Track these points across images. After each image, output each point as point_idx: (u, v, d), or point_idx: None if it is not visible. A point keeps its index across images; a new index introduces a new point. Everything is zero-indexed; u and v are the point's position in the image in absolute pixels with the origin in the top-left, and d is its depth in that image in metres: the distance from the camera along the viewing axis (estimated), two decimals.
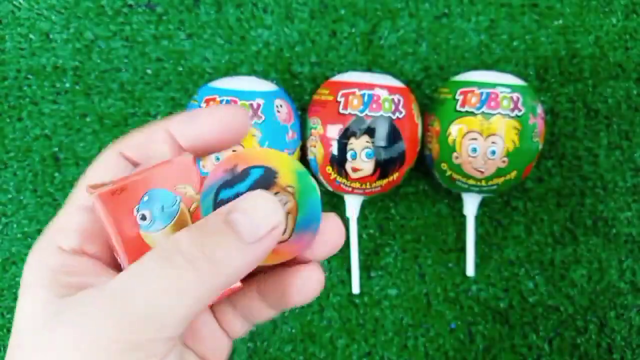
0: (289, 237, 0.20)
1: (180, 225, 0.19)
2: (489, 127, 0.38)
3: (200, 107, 0.38)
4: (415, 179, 0.45)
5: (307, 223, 0.20)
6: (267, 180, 0.20)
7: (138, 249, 0.18)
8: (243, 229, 0.17)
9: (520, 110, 0.38)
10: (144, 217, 0.19)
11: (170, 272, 0.16)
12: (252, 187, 0.20)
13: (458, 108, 0.38)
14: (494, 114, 0.37)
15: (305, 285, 0.21)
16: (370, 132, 0.37)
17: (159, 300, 0.16)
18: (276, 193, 0.20)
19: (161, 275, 0.16)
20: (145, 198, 0.19)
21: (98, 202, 0.18)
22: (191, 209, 0.19)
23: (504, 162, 0.38)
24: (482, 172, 0.38)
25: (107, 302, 0.16)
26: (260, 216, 0.17)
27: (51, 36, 0.44)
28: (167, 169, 0.19)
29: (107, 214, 0.18)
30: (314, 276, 0.21)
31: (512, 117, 0.38)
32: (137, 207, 0.18)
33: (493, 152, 0.38)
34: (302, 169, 0.20)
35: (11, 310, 0.43)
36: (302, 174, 0.20)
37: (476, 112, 0.38)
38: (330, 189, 0.41)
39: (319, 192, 0.20)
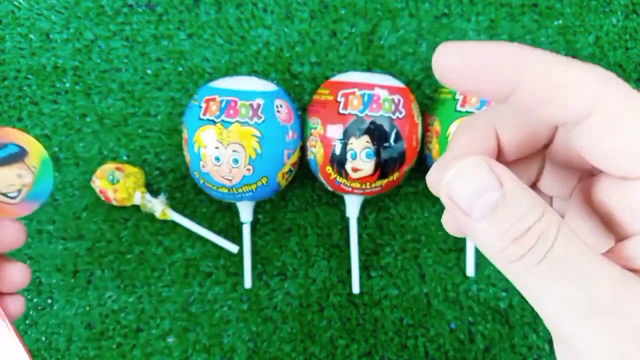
0: (19, 203, 0.28)
1: None
2: None
3: (200, 107, 0.38)
4: (415, 179, 0.45)
5: (35, 197, 0.28)
6: (18, 156, 0.28)
7: None
8: None
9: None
10: None
11: None
12: (5, 158, 0.27)
13: (458, 108, 0.38)
14: None
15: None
16: (370, 132, 0.37)
17: None
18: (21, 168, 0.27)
19: None
20: None
21: None
22: None
23: None
24: None
25: None
26: None
27: (51, 36, 0.44)
28: None
29: None
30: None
31: None
32: None
33: None
34: (47, 157, 0.28)
35: None
36: (46, 161, 0.28)
37: (476, 112, 0.38)
38: (330, 188, 0.41)
39: (52, 179, 0.28)
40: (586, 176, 0.19)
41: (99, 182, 0.41)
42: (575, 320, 0.15)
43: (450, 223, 0.19)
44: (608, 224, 0.17)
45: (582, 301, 0.14)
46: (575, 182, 0.20)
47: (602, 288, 0.14)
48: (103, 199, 0.42)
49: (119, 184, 0.41)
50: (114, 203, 0.42)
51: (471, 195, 0.15)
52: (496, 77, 0.15)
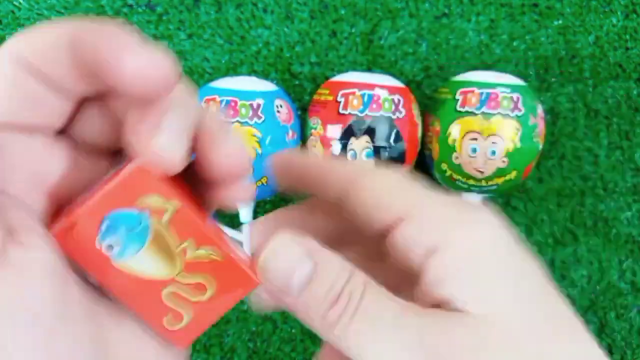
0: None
1: (159, 241, 0.16)
2: (489, 127, 0.38)
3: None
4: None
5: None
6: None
7: (121, 281, 0.16)
8: None
9: (520, 111, 0.38)
10: (110, 247, 0.16)
11: None
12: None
13: (458, 108, 0.38)
14: (494, 114, 0.37)
15: None
16: (370, 132, 0.37)
17: None
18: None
19: None
20: (104, 227, 0.16)
21: (58, 244, 0.15)
22: (164, 220, 0.16)
23: (504, 162, 0.38)
24: (482, 172, 0.38)
25: None
26: None
27: None
28: (118, 186, 0.15)
29: (72, 255, 0.15)
30: None
31: (512, 117, 0.38)
32: (97, 238, 0.16)
33: (493, 152, 0.38)
34: None
35: None
36: None
37: (476, 112, 0.38)
38: None
39: None
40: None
41: None
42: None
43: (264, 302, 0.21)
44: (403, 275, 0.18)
45: (396, 353, 0.16)
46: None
47: (411, 336, 0.16)
48: None
49: None
50: None
51: (285, 273, 0.16)
52: (323, 190, 0.19)
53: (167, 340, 0.17)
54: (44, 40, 0.14)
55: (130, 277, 0.16)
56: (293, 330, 0.45)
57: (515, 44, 0.45)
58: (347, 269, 0.17)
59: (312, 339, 0.45)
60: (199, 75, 0.44)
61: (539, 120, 0.39)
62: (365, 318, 0.16)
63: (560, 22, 0.45)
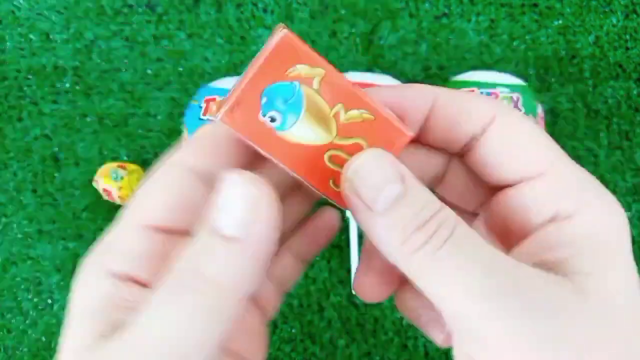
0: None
1: (313, 108, 0.17)
2: None
3: (200, 107, 0.38)
4: None
5: None
6: None
7: (288, 151, 0.17)
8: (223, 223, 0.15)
9: (520, 111, 0.38)
10: (273, 119, 0.17)
11: (174, 299, 0.14)
12: None
13: None
14: None
15: (327, 222, 0.22)
16: None
17: (172, 333, 0.14)
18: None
19: (168, 305, 0.14)
20: (264, 100, 0.17)
21: (225, 125, 0.17)
22: (314, 87, 0.17)
23: None
24: None
25: (130, 350, 0.14)
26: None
27: (51, 36, 0.44)
28: (269, 60, 0.17)
29: (240, 132, 0.17)
30: (331, 215, 0.22)
31: None
32: (260, 113, 0.17)
33: None
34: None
35: (11, 310, 0.43)
36: None
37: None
38: None
39: None
40: (488, 199, 0.20)
41: (102, 181, 0.41)
42: (481, 305, 0.14)
43: (367, 285, 0.20)
44: (507, 237, 0.18)
45: (484, 285, 0.14)
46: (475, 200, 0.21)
47: (506, 281, 0.15)
48: (106, 198, 0.42)
49: (122, 181, 0.41)
50: (118, 202, 0.42)
51: (375, 186, 0.16)
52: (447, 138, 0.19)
53: (333, 200, 0.18)
54: (206, 145, 0.17)
55: (294, 146, 0.17)
56: (293, 330, 0.45)
57: (515, 44, 0.45)
58: (438, 201, 0.16)
59: (312, 339, 0.45)
60: (199, 75, 0.44)
61: (539, 120, 0.39)
62: (454, 252, 0.15)
63: (560, 22, 0.45)
